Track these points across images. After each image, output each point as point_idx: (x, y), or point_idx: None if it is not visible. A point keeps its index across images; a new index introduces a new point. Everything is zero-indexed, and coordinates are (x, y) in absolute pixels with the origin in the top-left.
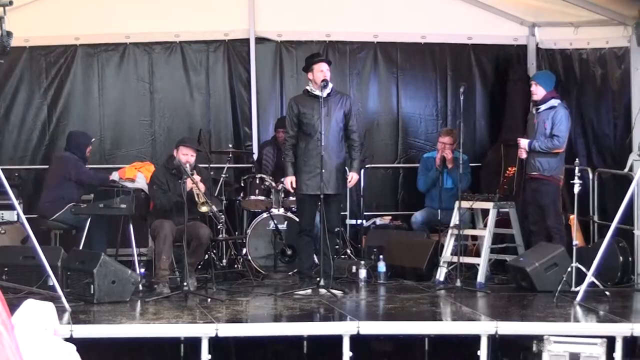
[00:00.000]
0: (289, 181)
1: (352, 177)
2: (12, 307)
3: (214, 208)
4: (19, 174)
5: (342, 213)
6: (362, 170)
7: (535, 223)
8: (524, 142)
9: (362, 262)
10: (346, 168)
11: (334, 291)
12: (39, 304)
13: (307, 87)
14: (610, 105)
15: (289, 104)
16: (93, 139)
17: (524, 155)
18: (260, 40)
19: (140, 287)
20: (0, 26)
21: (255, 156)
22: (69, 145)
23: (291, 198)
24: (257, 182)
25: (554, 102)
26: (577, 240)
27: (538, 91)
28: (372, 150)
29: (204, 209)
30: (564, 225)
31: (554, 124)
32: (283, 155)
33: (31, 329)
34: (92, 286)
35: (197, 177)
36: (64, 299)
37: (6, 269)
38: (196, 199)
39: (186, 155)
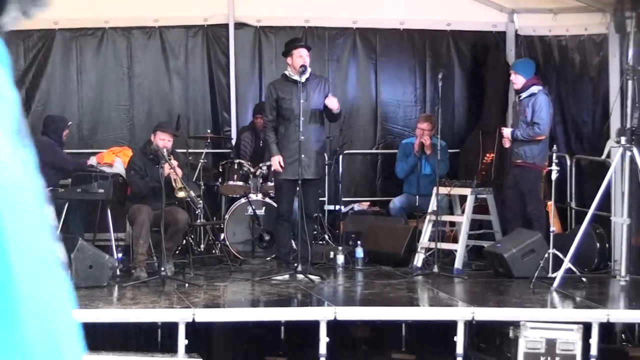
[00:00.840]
0: (277, 160)
1: (331, 98)
2: None
3: (192, 193)
4: None
5: (320, 199)
6: (341, 156)
7: (511, 209)
8: (506, 131)
9: (340, 248)
10: (325, 154)
11: (311, 277)
12: None
13: (286, 72)
14: (589, 92)
15: (268, 89)
16: (70, 123)
17: (507, 144)
18: (239, 25)
19: (118, 272)
20: None
21: (233, 142)
22: (46, 129)
23: (269, 183)
24: (236, 167)
25: (535, 89)
26: (554, 226)
27: (517, 80)
28: (350, 136)
29: (181, 194)
30: (545, 212)
31: (534, 111)
32: (264, 138)
33: None
34: (69, 271)
35: (174, 163)
36: None
37: None
38: (173, 184)
39: (163, 140)
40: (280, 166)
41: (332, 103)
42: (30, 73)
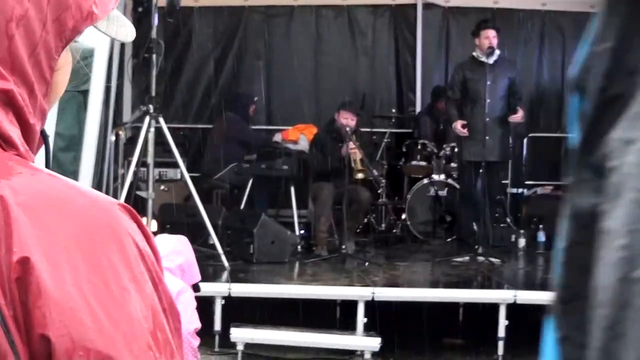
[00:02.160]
0: (459, 124)
1: (519, 111)
2: None
3: (375, 172)
4: (184, 132)
5: (503, 181)
6: (525, 139)
7: None
8: None
9: (522, 231)
10: (509, 137)
11: (492, 259)
12: (168, 238)
13: (474, 54)
14: None
15: (456, 69)
16: (256, 98)
17: None
18: (427, 5)
19: (299, 249)
20: None
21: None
22: (232, 105)
23: (452, 165)
24: (419, 147)
25: None
26: None
27: None
28: (535, 119)
29: (359, 175)
30: None
31: None
32: (447, 114)
33: None
34: (251, 246)
35: (354, 144)
36: (223, 257)
37: (168, 226)
38: (353, 165)
39: (346, 119)
40: (463, 127)
41: (516, 119)
42: (218, 51)
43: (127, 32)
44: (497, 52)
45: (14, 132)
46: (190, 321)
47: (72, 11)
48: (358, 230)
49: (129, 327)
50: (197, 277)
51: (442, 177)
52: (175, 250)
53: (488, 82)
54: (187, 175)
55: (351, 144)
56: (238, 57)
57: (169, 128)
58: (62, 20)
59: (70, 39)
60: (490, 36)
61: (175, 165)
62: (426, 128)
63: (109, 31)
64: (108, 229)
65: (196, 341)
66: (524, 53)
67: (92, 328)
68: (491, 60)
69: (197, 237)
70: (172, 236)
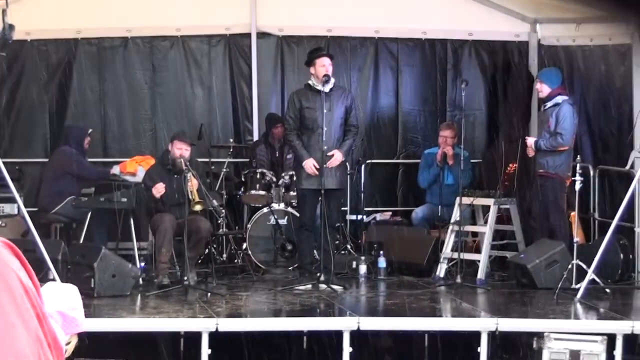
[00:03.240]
0: (311, 163)
1: (335, 155)
2: None
3: (215, 203)
4: (20, 167)
5: (342, 208)
6: (363, 166)
7: (538, 220)
8: (530, 141)
9: (362, 258)
10: (347, 164)
11: (334, 286)
12: (57, 287)
13: (309, 82)
14: (614, 102)
15: (291, 98)
16: (90, 130)
17: (531, 154)
18: (261, 34)
19: (141, 281)
20: (2, 19)
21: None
22: (67, 138)
23: (292, 193)
24: (258, 176)
25: (559, 99)
26: (577, 237)
27: (543, 89)
28: (372, 146)
29: (197, 207)
30: (567, 223)
31: (557, 121)
32: (290, 145)
33: None
34: (92, 280)
35: (189, 176)
36: None
37: None
38: (190, 196)
39: (180, 150)
40: (315, 168)
41: (335, 161)
42: (54, 83)
43: None
44: (332, 79)
45: None
46: None
47: None
48: (199, 261)
49: None
50: (81, 327)
51: (282, 205)
52: (60, 298)
53: (325, 111)
54: (24, 210)
55: (189, 176)
56: (73, 89)
57: (4, 163)
58: None
59: None
60: (325, 64)
61: (11, 200)
62: (263, 157)
63: None
64: None
65: None
66: (358, 80)
67: None
68: (327, 89)
69: (37, 273)
70: (61, 284)
